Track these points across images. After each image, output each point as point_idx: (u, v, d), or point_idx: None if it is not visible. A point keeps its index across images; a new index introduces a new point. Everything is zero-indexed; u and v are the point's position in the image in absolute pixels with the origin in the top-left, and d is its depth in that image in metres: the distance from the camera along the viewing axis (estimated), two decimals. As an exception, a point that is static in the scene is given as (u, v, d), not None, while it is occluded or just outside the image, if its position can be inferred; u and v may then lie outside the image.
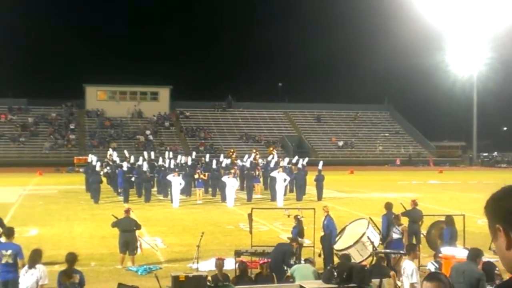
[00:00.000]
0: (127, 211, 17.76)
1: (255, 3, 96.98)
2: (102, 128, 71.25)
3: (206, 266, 15.63)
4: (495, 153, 79.66)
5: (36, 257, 11.50)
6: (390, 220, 16.29)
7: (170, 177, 30.35)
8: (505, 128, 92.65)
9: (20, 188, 37.61)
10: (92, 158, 36.06)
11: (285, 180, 31.00)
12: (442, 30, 70.77)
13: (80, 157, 56.16)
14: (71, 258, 11.99)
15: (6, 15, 74.58)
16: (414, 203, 18.46)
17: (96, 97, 75.47)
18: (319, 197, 32.01)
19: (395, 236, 15.56)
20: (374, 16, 78.10)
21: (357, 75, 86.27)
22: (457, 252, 13.16)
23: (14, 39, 78.54)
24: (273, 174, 32.01)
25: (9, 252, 12.21)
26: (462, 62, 74.75)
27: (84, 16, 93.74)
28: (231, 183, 29.45)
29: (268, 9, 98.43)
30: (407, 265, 11.54)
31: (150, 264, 16.96)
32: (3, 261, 12.16)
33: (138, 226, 17.44)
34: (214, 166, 34.57)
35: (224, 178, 29.77)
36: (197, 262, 15.24)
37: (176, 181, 29.74)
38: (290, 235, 16.90)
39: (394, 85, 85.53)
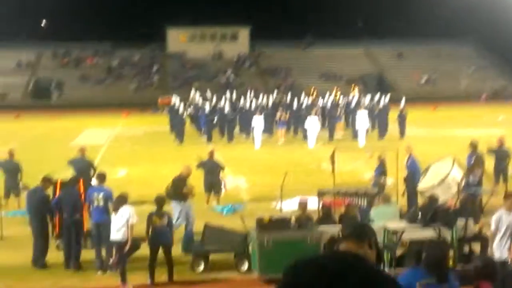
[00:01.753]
0: (211, 153, 18.16)
1: None
2: (184, 70, 72.17)
3: (290, 206, 15.88)
4: None
5: (120, 203, 12.02)
6: (473, 160, 16.01)
7: (252, 117, 30.69)
8: None
9: (108, 130, 38.90)
10: (175, 99, 36.69)
11: (367, 118, 30.77)
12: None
13: (164, 98, 57.07)
14: (161, 200, 12.48)
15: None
16: (501, 141, 18.03)
17: (178, 39, 76.31)
18: (402, 134, 31.64)
19: (473, 179, 15.31)
20: None
21: (440, 7, 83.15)
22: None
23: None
24: (356, 112, 31.81)
25: (101, 195, 12.79)
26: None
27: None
28: (313, 122, 29.44)
29: None
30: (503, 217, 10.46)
31: (235, 203, 17.38)
32: (95, 204, 12.78)
33: (222, 167, 17.83)
34: (295, 105, 34.57)
35: (307, 120, 29.77)
36: (281, 202, 15.49)
37: (258, 121, 30.01)
38: (373, 175, 16.92)
39: (479, 17, 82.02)
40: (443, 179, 14.60)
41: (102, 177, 13.44)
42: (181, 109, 33.95)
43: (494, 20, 79.42)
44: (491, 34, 79.22)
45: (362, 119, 30.49)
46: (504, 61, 76.92)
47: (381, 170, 16.70)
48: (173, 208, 14.23)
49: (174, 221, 13.36)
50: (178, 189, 14.34)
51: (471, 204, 14.28)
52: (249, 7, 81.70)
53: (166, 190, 14.42)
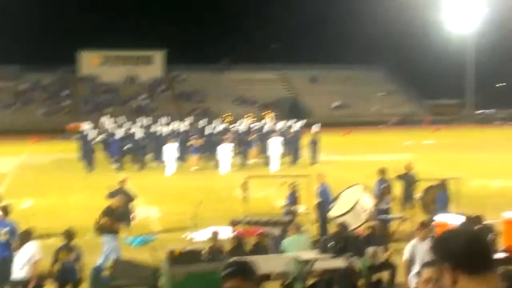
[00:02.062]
0: (122, 182, 17.72)
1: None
2: (96, 94, 70.87)
3: (202, 236, 15.65)
4: (492, 110, 79.79)
5: (25, 239, 11.45)
6: (382, 187, 16.29)
7: (164, 144, 30.33)
8: (501, 84, 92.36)
9: (14, 158, 37.52)
10: (85, 126, 35.86)
11: (280, 144, 30.96)
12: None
13: (74, 124, 55.81)
14: (69, 235, 11.96)
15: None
16: (408, 167, 18.46)
17: (90, 62, 74.94)
18: (315, 160, 31.99)
19: (384, 206, 15.57)
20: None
21: (352, 34, 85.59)
22: (451, 219, 13.14)
23: (3, 3, 77.45)
24: (269, 138, 31.95)
25: (6, 230, 12.16)
26: (458, 19, 74.20)
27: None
28: (226, 149, 29.39)
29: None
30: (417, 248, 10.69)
31: (146, 235, 16.98)
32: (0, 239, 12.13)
33: (133, 197, 17.42)
34: (209, 131, 34.43)
35: (220, 146, 29.71)
36: (194, 232, 15.27)
37: (170, 148, 29.68)
38: (285, 202, 16.93)
39: (389, 44, 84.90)
40: (353, 206, 14.75)
41: (6, 210, 12.79)
42: (91, 136, 33.19)
43: (403, 47, 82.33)
44: (400, 60, 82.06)
45: (275, 145, 30.67)
46: (412, 87, 79.67)
47: (293, 198, 16.73)
48: (105, 243, 13.73)
49: (104, 256, 13.01)
50: (110, 222, 13.85)
51: (380, 231, 14.47)
52: (164, 30, 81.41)
53: (96, 223, 13.90)
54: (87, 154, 30.98)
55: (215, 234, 13.15)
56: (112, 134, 33.86)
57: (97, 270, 12.82)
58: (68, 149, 38.23)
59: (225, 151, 29.44)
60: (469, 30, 75.11)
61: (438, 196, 15.98)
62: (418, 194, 17.57)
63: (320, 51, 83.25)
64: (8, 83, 70.91)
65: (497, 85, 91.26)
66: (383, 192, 15.93)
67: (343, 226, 13.06)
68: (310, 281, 11.79)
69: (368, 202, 15.09)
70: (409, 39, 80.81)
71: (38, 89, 70.83)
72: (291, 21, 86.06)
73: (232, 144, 30.60)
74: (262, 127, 37.10)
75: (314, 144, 32.47)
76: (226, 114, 48.40)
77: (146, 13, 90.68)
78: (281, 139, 31.48)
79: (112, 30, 77.02)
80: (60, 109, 67.22)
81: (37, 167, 32.71)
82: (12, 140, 51.09)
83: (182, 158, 32.90)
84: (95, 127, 37.26)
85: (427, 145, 43.75)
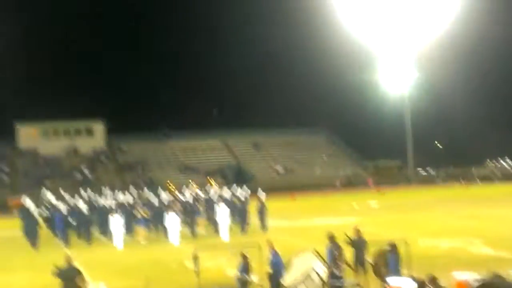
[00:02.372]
0: (68, 258, 17.24)
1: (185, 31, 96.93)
2: (36, 167, 69.53)
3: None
4: (434, 169, 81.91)
5: None
6: (334, 253, 16.27)
7: (109, 216, 29.84)
8: (438, 144, 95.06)
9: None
10: (27, 201, 34.95)
11: (227, 212, 30.76)
12: (372, 48, 72.04)
13: (15, 199, 54.53)
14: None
15: None
16: (357, 231, 18.53)
17: (29, 135, 73.78)
18: (264, 227, 31.90)
19: (337, 273, 15.53)
20: (306, 36, 78.91)
21: (291, 99, 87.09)
22: (404, 284, 13.20)
23: None
24: (216, 207, 31.81)
25: None
26: (394, 81, 76.28)
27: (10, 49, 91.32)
28: (174, 219, 29.05)
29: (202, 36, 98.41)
30: None
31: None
32: None
33: (81, 273, 16.93)
34: (154, 201, 34.04)
35: (167, 215, 29.37)
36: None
37: (116, 221, 29.16)
38: (237, 272, 16.74)
39: (328, 107, 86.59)
40: (306, 274, 14.68)
41: None
42: (33, 210, 32.34)
43: (342, 110, 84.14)
44: (341, 123, 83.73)
45: (223, 213, 30.49)
46: (353, 149, 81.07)
47: (245, 267, 16.56)
48: None
49: None
50: None
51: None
52: (102, 100, 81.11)
53: None
54: (30, 230, 30.11)
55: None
56: (57, 209, 33.09)
57: None
58: (10, 225, 37.13)
59: (173, 221, 29.08)
60: (403, 92, 77.24)
61: (389, 259, 16.07)
62: (369, 258, 17.63)
63: (261, 116, 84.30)
64: None
65: (436, 143, 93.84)
66: (335, 258, 15.92)
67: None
68: None
69: (321, 269, 15.05)
70: (347, 101, 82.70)
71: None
72: (231, 87, 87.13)
73: (179, 215, 30.19)
74: (207, 195, 36.94)
75: (262, 210, 32.43)
76: (168, 183, 48.08)
77: (84, 84, 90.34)
78: (228, 205, 31.31)
79: (50, 102, 76.21)
80: (-1, 184, 65.57)
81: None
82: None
83: (129, 230, 32.36)
84: (36, 201, 36.35)
85: (372, 207, 44.25)
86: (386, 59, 74.41)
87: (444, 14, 68.22)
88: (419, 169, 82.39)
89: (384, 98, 77.30)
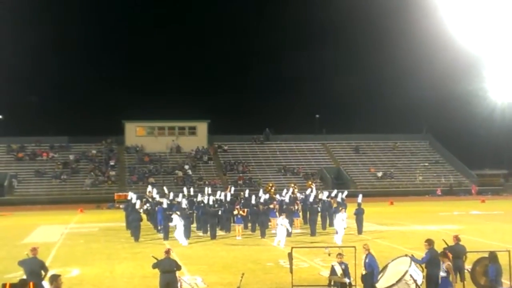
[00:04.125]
0: (168, 252, 17.76)
1: (293, 34, 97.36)
2: (141, 164, 71.96)
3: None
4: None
5: None
6: (432, 257, 15.94)
7: (209, 213, 30.63)
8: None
9: (62, 227, 38.12)
10: (131, 195, 36.31)
11: (343, 220, 29.64)
12: (479, 56, 70.08)
13: (120, 194, 56.81)
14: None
15: (45, 53, 76.67)
16: (457, 238, 18.12)
17: (135, 133, 76.45)
18: (359, 231, 31.65)
19: (442, 274, 15.13)
20: (411, 44, 77.66)
21: (394, 104, 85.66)
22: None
23: (53, 79, 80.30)
24: (312, 207, 31.81)
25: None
26: (501, 88, 73.94)
27: (122, 52, 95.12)
28: (280, 222, 28.40)
29: (302, 38, 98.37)
30: None
31: (191, 305, 16.93)
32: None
33: (179, 267, 17.43)
34: (253, 201, 34.50)
35: (279, 220, 28.71)
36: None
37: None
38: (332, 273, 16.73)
39: (432, 114, 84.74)
40: (401, 277, 14.52)
41: (54, 279, 12.91)
42: (137, 205, 33.55)
43: (446, 116, 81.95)
44: (444, 130, 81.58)
45: (339, 220, 29.35)
46: (458, 156, 78.81)
47: (340, 268, 16.53)
48: None
49: None
50: None
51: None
52: (207, 101, 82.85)
53: None
54: (133, 223, 31.25)
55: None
56: (159, 203, 34.19)
57: None
58: (115, 219, 38.66)
59: (279, 226, 28.45)
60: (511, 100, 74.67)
61: (489, 268, 15.62)
62: (468, 266, 17.20)
63: (364, 121, 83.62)
64: (56, 153, 72.61)
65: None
66: (432, 257, 15.54)
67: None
68: None
69: (416, 273, 14.83)
70: (453, 109, 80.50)
71: (85, 160, 72.28)
72: (334, 91, 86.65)
73: (284, 218, 29.61)
74: (306, 196, 37.07)
75: (359, 214, 32.17)
76: (270, 184, 48.49)
77: (189, 85, 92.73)
78: (344, 214, 30.08)
79: (156, 102, 78.82)
80: (106, 179, 68.25)
81: (85, 236, 33.07)
82: (60, 209, 51.97)
83: (227, 228, 33.01)
84: (141, 196, 37.71)
85: (475, 216, 42.92)
86: (495, 67, 72.09)
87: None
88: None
89: (492, 106, 74.81)
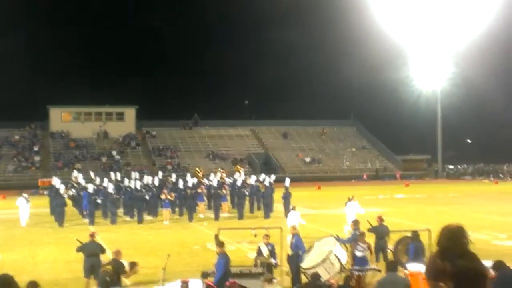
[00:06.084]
0: (92, 235, 17.45)
1: (221, 22, 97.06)
2: (67, 150, 70.38)
3: (172, 288, 15.39)
4: (464, 165, 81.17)
5: None
6: (356, 234, 16.27)
7: (136, 198, 30.17)
8: (469, 141, 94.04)
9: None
10: (56, 181, 35.49)
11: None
12: (406, 45, 71.78)
13: (45, 180, 55.50)
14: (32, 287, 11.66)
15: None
16: (380, 219, 18.53)
17: (61, 118, 74.63)
18: (287, 214, 31.88)
19: (358, 254, 15.47)
20: (339, 31, 78.66)
21: (323, 91, 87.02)
22: (423, 269, 13.12)
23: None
24: (241, 192, 31.89)
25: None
26: (426, 77, 76.08)
27: (47, 36, 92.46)
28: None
29: (230, 26, 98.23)
30: None
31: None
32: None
33: (103, 250, 17.14)
34: (180, 185, 34.28)
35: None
36: (163, 285, 14.99)
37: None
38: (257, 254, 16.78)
39: (359, 101, 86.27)
40: (326, 257, 14.67)
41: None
42: (61, 190, 32.81)
43: (373, 103, 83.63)
44: (371, 116, 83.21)
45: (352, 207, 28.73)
46: (384, 142, 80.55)
47: (265, 250, 16.59)
48: None
49: None
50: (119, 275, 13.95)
51: (355, 282, 14.44)
52: (134, 86, 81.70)
53: (108, 276, 13.77)
54: (57, 209, 30.57)
55: (184, 285, 12.96)
56: (85, 188, 33.56)
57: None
58: (39, 205, 37.70)
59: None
60: (436, 88, 76.88)
61: (410, 247, 16.01)
62: (390, 245, 17.59)
63: (292, 107, 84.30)
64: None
65: (468, 141, 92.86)
66: (356, 238, 15.87)
67: (315, 276, 12.99)
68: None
69: (341, 253, 15.03)
70: (380, 96, 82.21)
71: (8, 145, 70.12)
72: (263, 78, 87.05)
73: (205, 198, 30.24)
74: (234, 181, 37.10)
75: (286, 197, 32.46)
76: (198, 169, 48.32)
77: (118, 70, 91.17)
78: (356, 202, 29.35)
79: (83, 87, 77.08)
80: (30, 165, 66.45)
81: (6, 222, 32.16)
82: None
83: (154, 212, 32.75)
84: (65, 182, 36.89)
85: (399, 199, 43.99)
86: (420, 56, 74.03)
87: (482, 13, 67.51)
88: (448, 165, 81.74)
89: (417, 94, 76.79)
